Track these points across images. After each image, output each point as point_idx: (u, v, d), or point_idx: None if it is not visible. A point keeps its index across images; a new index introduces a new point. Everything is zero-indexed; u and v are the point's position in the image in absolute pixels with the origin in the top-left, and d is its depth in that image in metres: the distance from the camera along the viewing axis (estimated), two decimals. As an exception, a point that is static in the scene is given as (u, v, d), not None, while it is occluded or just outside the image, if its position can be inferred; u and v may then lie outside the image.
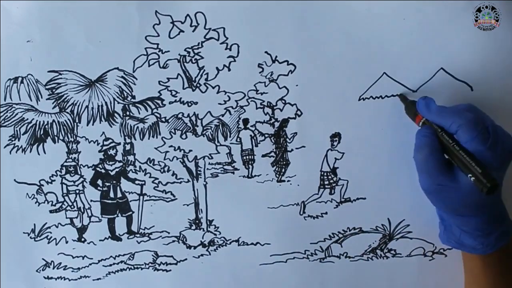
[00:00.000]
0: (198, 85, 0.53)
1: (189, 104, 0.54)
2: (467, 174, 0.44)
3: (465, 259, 0.54)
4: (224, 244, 0.57)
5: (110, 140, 0.55)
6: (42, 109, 0.54)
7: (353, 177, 0.55)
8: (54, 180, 0.56)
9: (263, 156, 0.55)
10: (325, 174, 0.55)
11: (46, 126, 0.54)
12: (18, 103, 0.54)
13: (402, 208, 0.55)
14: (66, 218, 0.57)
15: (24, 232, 0.57)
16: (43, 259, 0.58)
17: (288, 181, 0.55)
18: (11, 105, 0.54)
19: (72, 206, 0.56)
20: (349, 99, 0.53)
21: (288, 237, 0.57)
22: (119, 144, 0.55)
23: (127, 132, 0.55)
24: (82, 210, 0.57)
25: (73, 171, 0.55)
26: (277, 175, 0.55)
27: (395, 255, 0.57)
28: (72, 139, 0.55)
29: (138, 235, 0.57)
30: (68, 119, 0.54)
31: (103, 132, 0.55)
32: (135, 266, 0.58)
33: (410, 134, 0.53)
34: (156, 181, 0.56)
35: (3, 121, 0.54)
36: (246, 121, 0.54)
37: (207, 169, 0.56)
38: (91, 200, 0.57)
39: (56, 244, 0.57)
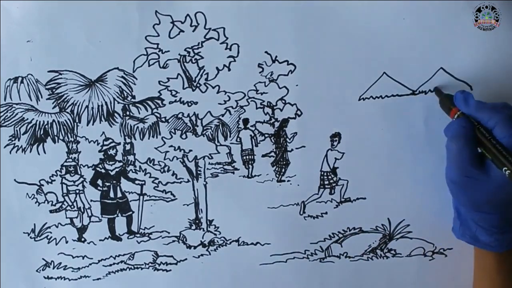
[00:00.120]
0: (198, 85, 0.53)
1: (189, 104, 0.54)
2: (502, 168, 0.44)
3: (478, 255, 0.54)
4: (224, 244, 0.57)
5: (110, 140, 0.55)
6: (42, 109, 0.54)
7: (353, 177, 0.55)
8: (54, 180, 0.56)
9: (263, 156, 0.55)
10: (325, 174, 0.55)
11: (46, 126, 0.54)
12: (18, 103, 0.54)
13: (402, 208, 0.55)
14: (66, 218, 0.57)
15: (24, 232, 0.57)
16: (43, 259, 0.58)
17: (288, 181, 0.55)
18: (11, 105, 0.54)
19: (72, 206, 0.56)
20: (349, 99, 0.53)
21: (288, 237, 0.57)
22: (119, 144, 0.55)
23: (127, 132, 0.55)
24: (82, 210, 0.57)
25: (73, 171, 0.55)
26: (277, 175, 0.55)
27: (395, 255, 0.57)
28: (72, 139, 0.55)
29: (138, 235, 0.57)
30: (68, 119, 0.54)
31: (103, 132, 0.55)
32: (135, 266, 0.58)
33: (410, 134, 0.53)
34: (156, 181, 0.56)
35: (3, 121, 0.54)
36: (246, 121, 0.54)
37: (207, 169, 0.56)
38: (91, 200, 0.57)
39: (56, 244, 0.57)
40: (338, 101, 0.53)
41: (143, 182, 0.56)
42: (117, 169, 0.56)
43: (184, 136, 0.55)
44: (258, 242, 0.57)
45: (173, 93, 0.54)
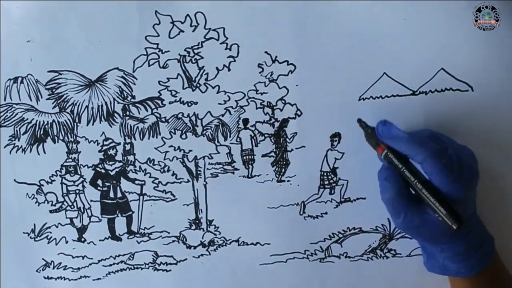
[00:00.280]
0: (198, 85, 0.53)
1: (189, 104, 0.54)
2: (434, 212, 0.44)
3: (452, 283, 0.54)
4: (224, 244, 0.57)
5: (110, 140, 0.55)
6: (42, 109, 0.54)
7: (353, 177, 0.55)
8: (54, 180, 0.56)
9: (263, 156, 0.55)
10: (325, 174, 0.55)
11: (46, 126, 0.54)
12: (18, 103, 0.54)
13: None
14: (66, 218, 0.57)
15: (24, 232, 0.57)
16: (43, 259, 0.58)
17: (288, 181, 0.55)
18: (11, 105, 0.54)
19: (72, 206, 0.56)
20: (349, 99, 0.53)
21: (288, 237, 0.57)
22: (119, 144, 0.55)
23: (127, 132, 0.55)
24: (82, 210, 0.57)
25: (73, 171, 0.55)
26: (277, 175, 0.55)
27: (395, 255, 0.57)
28: (72, 139, 0.55)
29: (138, 235, 0.57)
30: (68, 119, 0.54)
31: (103, 132, 0.55)
32: (135, 266, 0.58)
33: (410, 134, 0.53)
34: (156, 181, 0.56)
35: (3, 121, 0.54)
36: (246, 121, 0.54)
37: (207, 169, 0.56)
38: (91, 200, 0.57)
39: (56, 244, 0.57)
40: (338, 101, 0.53)
41: (143, 182, 0.56)
42: (117, 169, 0.56)
43: (184, 136, 0.55)
44: (258, 242, 0.57)
45: (173, 93, 0.54)
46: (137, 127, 0.54)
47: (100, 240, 0.57)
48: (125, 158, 0.55)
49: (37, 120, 0.54)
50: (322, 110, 0.53)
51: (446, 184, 0.44)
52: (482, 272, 0.49)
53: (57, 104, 0.54)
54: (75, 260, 0.58)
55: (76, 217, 0.57)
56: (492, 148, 0.54)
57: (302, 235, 0.57)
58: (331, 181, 0.55)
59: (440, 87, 0.52)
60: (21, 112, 0.54)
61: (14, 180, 0.56)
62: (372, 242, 0.57)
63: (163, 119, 0.54)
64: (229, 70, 0.53)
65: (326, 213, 0.56)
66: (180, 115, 0.54)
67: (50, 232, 0.57)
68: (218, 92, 0.53)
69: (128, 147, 0.55)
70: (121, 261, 0.58)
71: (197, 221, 0.57)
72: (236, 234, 0.57)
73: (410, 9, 0.51)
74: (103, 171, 0.56)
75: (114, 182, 0.56)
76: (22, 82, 0.53)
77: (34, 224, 0.57)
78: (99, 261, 0.58)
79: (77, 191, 0.56)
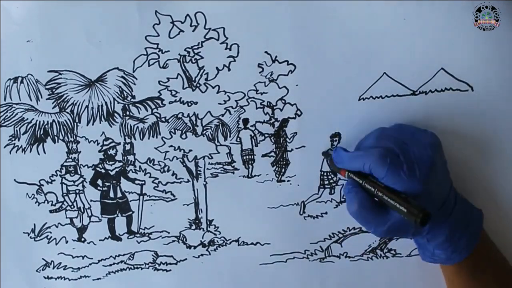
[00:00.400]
0: (198, 85, 0.53)
1: (189, 104, 0.54)
2: (398, 213, 0.44)
3: (444, 271, 0.54)
4: (224, 244, 0.57)
5: (110, 140, 0.55)
6: (42, 109, 0.54)
7: (353, 177, 0.55)
8: (54, 180, 0.56)
9: (263, 156, 0.55)
10: (325, 174, 0.55)
11: (46, 126, 0.54)
12: (18, 103, 0.54)
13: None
14: (66, 218, 0.57)
15: (24, 232, 0.57)
16: (43, 259, 0.58)
17: (288, 181, 0.55)
18: (11, 105, 0.54)
19: (72, 206, 0.56)
20: (349, 99, 0.53)
21: (288, 237, 0.57)
22: (119, 144, 0.55)
23: (127, 132, 0.55)
24: (82, 210, 0.57)
25: (73, 171, 0.55)
26: (277, 175, 0.55)
27: (395, 255, 0.57)
28: (72, 139, 0.55)
29: (138, 235, 0.57)
30: (68, 119, 0.54)
31: (103, 132, 0.55)
32: (135, 266, 0.58)
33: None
34: (156, 181, 0.56)
35: (3, 121, 0.54)
36: (246, 121, 0.54)
37: (207, 169, 0.56)
38: (91, 200, 0.57)
39: (56, 244, 0.57)
40: (338, 101, 0.53)
41: (143, 182, 0.56)
42: (117, 169, 0.56)
43: (184, 136, 0.55)
44: (258, 242, 0.57)
45: (173, 93, 0.54)
46: (137, 127, 0.54)
47: (100, 240, 0.57)
48: (125, 158, 0.55)
49: (37, 120, 0.54)
50: (322, 110, 0.53)
51: (399, 182, 0.45)
52: (472, 254, 0.49)
53: (57, 104, 0.54)
54: (75, 260, 0.58)
55: (76, 217, 0.57)
56: (492, 148, 0.54)
57: (302, 235, 0.57)
58: (331, 181, 0.55)
59: (440, 87, 0.52)
60: (21, 112, 0.54)
61: (14, 180, 0.56)
62: (372, 242, 0.57)
63: (163, 119, 0.54)
64: (229, 70, 0.53)
65: (326, 213, 0.56)
66: (180, 115, 0.54)
67: (50, 232, 0.57)
68: (218, 92, 0.53)
69: (128, 147, 0.55)
70: (121, 261, 0.58)
71: (197, 221, 0.57)
72: (236, 234, 0.57)
73: (410, 9, 0.51)
74: (103, 171, 0.56)
75: (114, 182, 0.56)
76: (22, 82, 0.53)
77: (34, 224, 0.57)
78: (99, 261, 0.58)
79: (77, 191, 0.56)
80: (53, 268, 0.58)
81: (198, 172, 0.56)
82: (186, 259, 0.58)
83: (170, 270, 0.58)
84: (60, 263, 0.58)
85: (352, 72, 0.52)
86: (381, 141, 0.48)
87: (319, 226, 0.56)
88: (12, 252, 0.57)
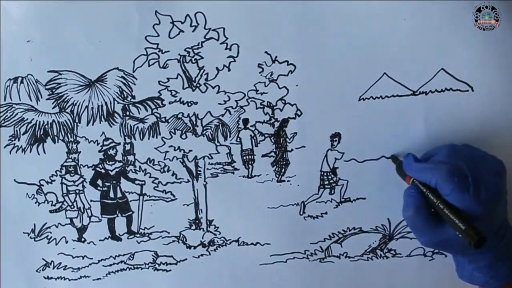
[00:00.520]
0: (198, 85, 0.53)
1: (189, 104, 0.54)
2: (455, 230, 0.45)
3: None
4: (224, 244, 0.57)
5: (110, 140, 0.55)
6: (42, 109, 0.54)
7: (353, 177, 0.55)
8: (54, 180, 0.56)
9: (263, 156, 0.55)
10: (325, 174, 0.55)
11: (46, 126, 0.54)
12: (18, 103, 0.54)
13: (402, 208, 0.55)
14: (66, 218, 0.57)
15: (24, 232, 0.57)
16: (43, 259, 0.58)
17: (288, 181, 0.55)
18: (11, 105, 0.54)
19: (72, 206, 0.56)
20: (349, 99, 0.53)
21: (288, 237, 0.57)
22: (119, 144, 0.55)
23: (127, 132, 0.55)
24: (82, 210, 0.57)
25: (73, 171, 0.55)
26: (277, 175, 0.55)
27: (395, 255, 0.57)
28: (72, 139, 0.55)
29: (138, 235, 0.57)
30: (68, 119, 0.54)
31: (103, 132, 0.55)
32: (135, 266, 0.58)
33: (410, 134, 0.53)
34: (156, 181, 0.56)
35: (3, 121, 0.54)
36: (246, 121, 0.54)
37: (207, 169, 0.56)
38: (91, 200, 0.57)
39: (56, 244, 0.57)
40: (338, 101, 0.53)
41: (143, 182, 0.56)
42: (117, 169, 0.56)
43: (184, 136, 0.55)
44: (258, 242, 0.57)
45: (173, 93, 0.54)
46: (137, 127, 0.54)
47: (100, 240, 0.57)
48: (125, 158, 0.55)
49: (37, 120, 0.54)
50: (322, 110, 0.53)
51: (463, 202, 0.45)
52: (510, 282, 0.49)
53: (57, 104, 0.54)
54: (75, 260, 0.58)
55: (76, 217, 0.57)
56: (492, 148, 0.53)
57: (302, 235, 0.57)
58: (331, 181, 0.55)
59: (440, 87, 0.52)
60: (21, 112, 0.54)
61: (14, 180, 0.56)
62: (372, 242, 0.57)
63: (163, 119, 0.54)
64: (229, 70, 0.53)
65: (326, 213, 0.56)
66: (180, 115, 0.54)
67: (50, 232, 0.57)
68: (218, 92, 0.53)
69: (128, 147, 0.55)
70: (121, 261, 0.58)
71: (197, 221, 0.57)
72: (236, 234, 0.57)
73: (410, 9, 0.51)
74: (103, 171, 0.56)
75: (114, 182, 0.56)
76: (22, 82, 0.53)
77: (34, 224, 0.57)
78: (99, 261, 0.58)
79: (77, 191, 0.56)
80: (53, 268, 0.58)
81: (198, 172, 0.56)
82: (186, 259, 0.58)
83: (170, 270, 0.58)
84: (60, 263, 0.58)
85: (352, 72, 0.52)
86: (453, 158, 0.48)
87: (319, 226, 0.56)
88: (12, 252, 0.57)
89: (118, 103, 0.54)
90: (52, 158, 0.55)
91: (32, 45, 0.52)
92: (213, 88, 0.53)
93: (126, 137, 0.55)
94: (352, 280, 0.58)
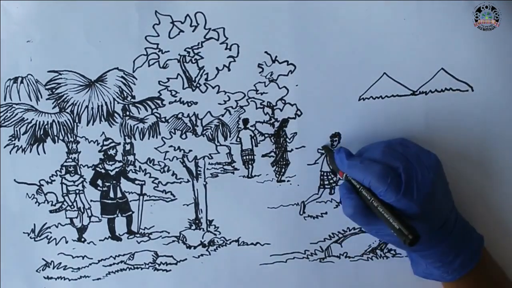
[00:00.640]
0: (198, 85, 0.53)
1: (189, 104, 0.54)
2: (389, 228, 0.44)
3: (443, 285, 0.54)
4: (224, 244, 0.57)
5: (110, 140, 0.55)
6: (42, 109, 0.54)
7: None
8: (54, 180, 0.56)
9: (263, 156, 0.55)
10: (325, 174, 0.55)
11: (46, 126, 0.54)
12: (18, 103, 0.54)
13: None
14: (66, 218, 0.57)
15: (24, 232, 0.57)
16: (43, 259, 0.58)
17: (288, 181, 0.55)
18: (11, 105, 0.54)
19: (72, 206, 0.56)
20: (349, 99, 0.53)
21: (288, 237, 0.57)
22: (119, 144, 0.55)
23: (127, 132, 0.55)
24: (82, 210, 0.57)
25: (73, 171, 0.55)
26: (277, 175, 0.55)
27: (395, 255, 0.57)
28: (72, 139, 0.55)
29: (138, 235, 0.57)
30: (68, 119, 0.54)
31: (103, 132, 0.55)
32: (135, 266, 0.58)
33: (410, 134, 0.53)
34: (156, 181, 0.56)
35: (3, 121, 0.54)
36: (246, 121, 0.54)
37: (207, 169, 0.56)
38: (91, 200, 0.57)
39: (56, 244, 0.57)
40: (338, 101, 0.53)
41: (143, 182, 0.56)
42: (117, 169, 0.56)
43: (184, 136, 0.55)
44: (258, 242, 0.57)
45: (173, 93, 0.54)
46: (137, 127, 0.54)
47: (100, 240, 0.57)
48: (125, 158, 0.55)
49: (37, 120, 0.54)
50: (322, 110, 0.53)
51: (397, 202, 0.45)
52: (468, 274, 0.49)
53: (57, 104, 0.54)
54: (75, 260, 0.58)
55: (76, 217, 0.57)
56: (492, 148, 0.54)
57: (302, 235, 0.57)
58: (331, 181, 0.55)
59: (440, 87, 0.52)
60: (21, 112, 0.54)
61: (14, 180, 0.56)
62: (372, 242, 0.57)
63: (163, 119, 0.54)
64: (229, 70, 0.53)
65: (326, 213, 0.56)
66: (180, 115, 0.54)
67: (50, 232, 0.57)
68: (218, 92, 0.53)
69: (128, 147, 0.55)
70: (121, 261, 0.58)
71: (197, 221, 0.57)
72: (236, 234, 0.57)
73: (410, 9, 0.51)
74: (103, 171, 0.56)
75: (114, 182, 0.56)
76: (22, 82, 0.53)
77: (34, 224, 0.57)
78: (99, 261, 0.58)
79: (77, 191, 0.56)
80: (53, 268, 0.58)
81: (198, 172, 0.56)
82: (186, 259, 0.58)
83: (170, 270, 0.58)
84: (60, 263, 0.58)
85: (352, 72, 0.52)
86: (387, 156, 0.47)
87: (319, 226, 0.56)
88: (12, 252, 0.57)
89: (118, 103, 0.54)
90: (52, 158, 0.55)
91: (32, 45, 0.52)
92: (213, 88, 0.53)
93: (126, 137, 0.55)
94: (352, 280, 0.58)
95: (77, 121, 0.54)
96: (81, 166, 0.55)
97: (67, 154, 0.55)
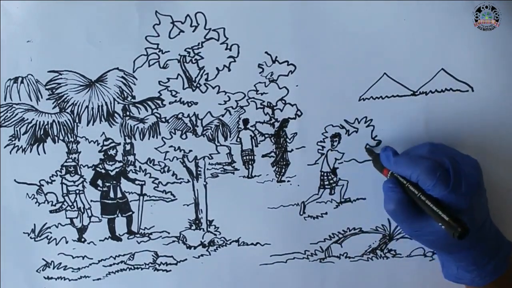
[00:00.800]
0: (198, 85, 0.53)
1: (189, 104, 0.54)
2: (437, 222, 0.45)
3: None
4: (224, 244, 0.57)
5: (110, 140, 0.55)
6: (42, 109, 0.54)
7: (353, 177, 0.55)
8: (54, 180, 0.56)
9: (263, 156, 0.55)
10: (325, 174, 0.55)
11: (46, 126, 0.54)
12: (18, 103, 0.54)
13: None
14: (66, 218, 0.57)
15: (24, 232, 0.57)
16: (43, 259, 0.58)
17: (288, 181, 0.55)
18: (11, 105, 0.54)
19: (72, 206, 0.56)
20: (349, 99, 0.53)
21: (288, 237, 0.57)
22: (119, 144, 0.55)
23: (127, 132, 0.55)
24: (82, 210, 0.57)
25: (73, 171, 0.55)
26: (277, 175, 0.55)
27: (395, 255, 0.57)
28: (72, 139, 0.55)
29: (138, 235, 0.57)
30: (68, 119, 0.54)
31: (103, 132, 0.55)
32: (135, 266, 0.58)
33: (410, 134, 0.53)
34: (156, 181, 0.56)
35: (3, 121, 0.54)
36: (246, 121, 0.54)
37: (207, 169, 0.56)
38: (91, 200, 0.57)
39: (56, 244, 0.57)
40: (338, 101, 0.53)
41: (143, 182, 0.56)
42: (117, 169, 0.56)
43: (184, 136, 0.55)
44: (258, 242, 0.57)
45: (173, 93, 0.54)
46: (137, 127, 0.54)
47: (100, 240, 0.57)
48: (125, 158, 0.55)
49: (37, 120, 0.54)
50: (322, 110, 0.53)
51: (445, 196, 0.45)
52: (497, 279, 0.49)
53: (57, 104, 0.54)
54: (75, 260, 0.58)
55: (76, 217, 0.57)
56: (492, 148, 0.54)
57: (302, 235, 0.57)
58: (331, 181, 0.55)
59: (440, 88, 0.52)
60: (21, 112, 0.54)
61: (14, 180, 0.56)
62: (372, 242, 0.57)
63: (163, 119, 0.54)
64: (229, 70, 0.53)
65: (326, 213, 0.56)
66: (180, 115, 0.54)
67: (50, 232, 0.57)
68: (218, 92, 0.53)
69: (128, 147, 0.55)
70: (121, 261, 0.58)
71: (197, 221, 0.57)
72: (236, 234, 0.57)
73: (410, 9, 0.51)
74: (103, 171, 0.56)
75: (114, 182, 0.56)
76: (22, 82, 0.53)
77: (34, 224, 0.57)
78: (99, 261, 0.58)
79: (77, 191, 0.56)
80: (53, 268, 0.58)
81: (198, 172, 0.56)
82: (186, 259, 0.58)
83: (170, 270, 0.58)
84: (60, 263, 0.58)
85: (352, 72, 0.52)
86: (434, 153, 0.48)
87: (319, 227, 0.56)
88: (12, 252, 0.57)
89: (118, 103, 0.54)
90: (52, 158, 0.55)
91: (32, 45, 0.52)
92: (213, 88, 0.53)
93: (126, 137, 0.55)
94: (352, 280, 0.58)
95: (77, 121, 0.54)
96: (81, 166, 0.55)
97: (67, 154, 0.55)
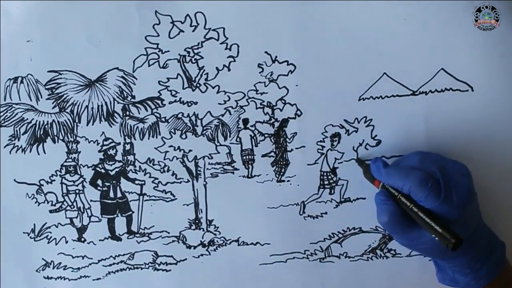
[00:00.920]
0: (198, 85, 0.53)
1: (189, 104, 0.54)
2: (431, 233, 0.45)
3: None
4: (224, 244, 0.57)
5: (110, 140, 0.55)
6: (42, 109, 0.54)
7: (353, 177, 0.55)
8: (54, 180, 0.56)
9: (263, 156, 0.55)
10: (325, 174, 0.55)
11: (46, 126, 0.54)
12: (18, 103, 0.54)
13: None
14: (66, 218, 0.57)
15: (24, 232, 0.57)
16: (43, 259, 0.58)
17: (288, 181, 0.55)
18: (11, 105, 0.54)
19: (72, 206, 0.56)
20: (349, 99, 0.53)
21: (288, 237, 0.57)
22: (119, 144, 0.55)
23: (127, 132, 0.55)
24: (82, 210, 0.57)
25: (73, 171, 0.55)
26: (277, 175, 0.55)
27: (395, 255, 0.57)
28: (72, 139, 0.55)
29: (138, 235, 0.57)
30: (68, 119, 0.54)
31: (103, 132, 0.55)
32: (135, 266, 0.58)
33: (409, 134, 0.53)
34: (156, 181, 0.56)
35: (3, 121, 0.54)
36: (246, 121, 0.54)
37: (207, 169, 0.56)
38: (91, 200, 0.57)
39: (56, 244, 0.57)
40: (338, 101, 0.53)
41: (143, 182, 0.56)
42: (117, 169, 0.56)
43: (184, 136, 0.55)
44: (258, 242, 0.57)
45: (173, 93, 0.54)
46: (137, 127, 0.54)
47: (100, 240, 0.57)
48: (125, 158, 0.55)
49: (37, 120, 0.54)
50: (322, 110, 0.53)
51: (437, 207, 0.46)
52: (493, 281, 0.50)
53: (57, 104, 0.54)
54: (75, 260, 0.58)
55: (76, 217, 0.57)
56: (492, 148, 0.54)
57: (302, 235, 0.57)
58: (331, 181, 0.55)
59: (440, 87, 0.52)
60: (21, 112, 0.54)
61: (14, 180, 0.56)
62: (372, 242, 0.57)
63: (163, 119, 0.54)
64: (229, 70, 0.53)
65: (326, 213, 0.56)
66: (180, 115, 0.54)
67: (50, 232, 0.57)
68: (218, 92, 0.53)
69: (128, 147, 0.55)
70: (121, 261, 0.58)
71: (197, 221, 0.57)
72: (236, 234, 0.57)
73: (410, 9, 0.51)
74: (103, 171, 0.56)
75: (114, 182, 0.56)
76: (22, 82, 0.53)
77: (34, 224, 0.57)
78: (99, 261, 0.58)
79: (77, 191, 0.56)
80: (53, 268, 0.58)
81: (198, 172, 0.56)
82: (186, 259, 0.58)
83: (170, 270, 0.58)
84: (60, 263, 0.58)
85: (352, 72, 0.52)
86: (424, 163, 0.48)
87: (319, 226, 0.56)
88: (12, 252, 0.57)
89: (118, 103, 0.54)
90: (52, 158, 0.55)
91: (32, 45, 0.52)
92: (213, 88, 0.53)
93: (126, 137, 0.55)
94: (352, 280, 0.58)
95: (77, 121, 0.54)
96: (81, 166, 0.55)
97: (67, 154, 0.55)
